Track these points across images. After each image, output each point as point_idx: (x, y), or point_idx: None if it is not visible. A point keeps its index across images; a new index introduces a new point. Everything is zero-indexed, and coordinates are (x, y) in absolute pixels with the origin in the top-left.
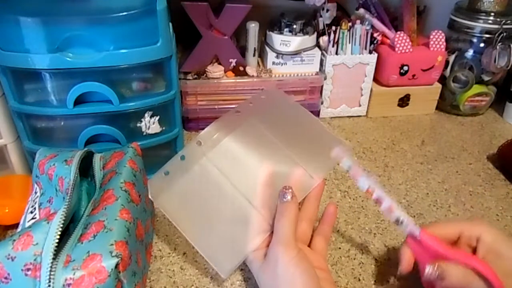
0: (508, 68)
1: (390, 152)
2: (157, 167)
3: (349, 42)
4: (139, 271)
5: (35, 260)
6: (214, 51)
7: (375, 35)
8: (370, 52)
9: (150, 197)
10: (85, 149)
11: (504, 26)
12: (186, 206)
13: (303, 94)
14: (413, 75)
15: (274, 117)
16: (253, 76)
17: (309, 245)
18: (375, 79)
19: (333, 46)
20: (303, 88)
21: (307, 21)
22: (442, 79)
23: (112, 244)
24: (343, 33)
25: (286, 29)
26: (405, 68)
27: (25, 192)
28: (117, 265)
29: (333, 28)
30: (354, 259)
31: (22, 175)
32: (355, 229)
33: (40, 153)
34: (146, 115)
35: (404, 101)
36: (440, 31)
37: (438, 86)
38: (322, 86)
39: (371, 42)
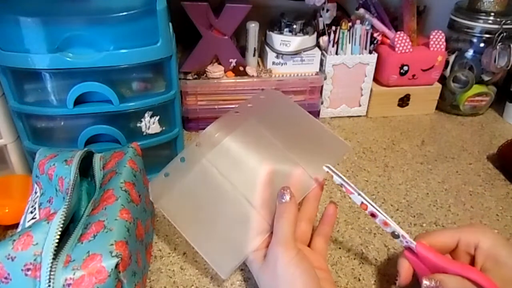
0: (508, 68)
1: (390, 152)
2: (157, 167)
3: (349, 42)
4: (139, 271)
5: (35, 260)
6: (214, 51)
7: (375, 35)
8: (370, 52)
9: (151, 199)
10: (85, 149)
11: (504, 26)
12: (186, 207)
13: (303, 94)
14: (413, 75)
15: (273, 117)
16: (253, 76)
17: (309, 245)
18: (375, 79)
19: (333, 46)
20: (303, 88)
21: (307, 21)
22: (442, 79)
23: (112, 244)
24: (343, 33)
25: (286, 29)
26: (405, 68)
27: (25, 192)
28: (117, 265)
29: (333, 28)
30: (354, 259)
31: (22, 175)
32: (355, 229)
33: (40, 153)
34: (146, 115)
35: (404, 101)
36: (440, 31)
37: (438, 86)
38: (322, 86)
39: (371, 42)
